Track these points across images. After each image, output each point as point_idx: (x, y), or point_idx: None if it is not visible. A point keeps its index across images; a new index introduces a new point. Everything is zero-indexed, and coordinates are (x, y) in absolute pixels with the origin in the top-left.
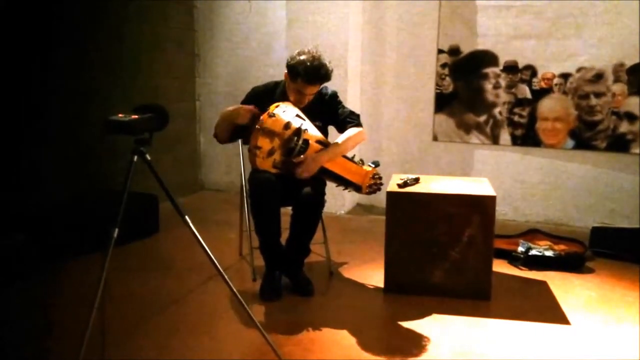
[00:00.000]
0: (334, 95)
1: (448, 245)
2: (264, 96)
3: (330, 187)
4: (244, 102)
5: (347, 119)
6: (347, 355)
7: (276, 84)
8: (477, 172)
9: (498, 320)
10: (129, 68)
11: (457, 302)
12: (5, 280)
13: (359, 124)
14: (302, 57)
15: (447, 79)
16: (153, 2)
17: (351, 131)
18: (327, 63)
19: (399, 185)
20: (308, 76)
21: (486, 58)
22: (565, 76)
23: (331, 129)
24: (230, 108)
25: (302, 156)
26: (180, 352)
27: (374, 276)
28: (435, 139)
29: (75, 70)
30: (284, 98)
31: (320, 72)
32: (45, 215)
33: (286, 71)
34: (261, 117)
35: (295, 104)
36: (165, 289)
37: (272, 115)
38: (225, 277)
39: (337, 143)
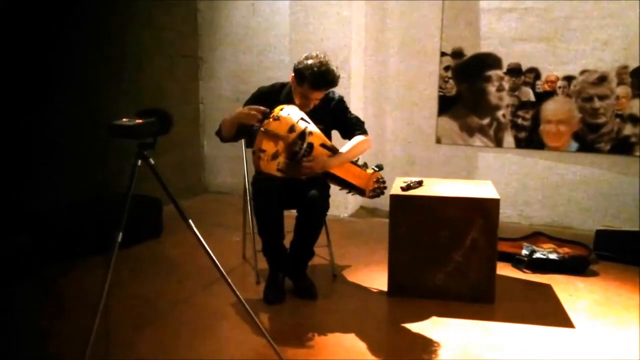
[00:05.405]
0: (341, 100)
1: (451, 248)
2: (269, 97)
3: (334, 190)
4: (249, 102)
5: (355, 126)
6: (351, 358)
7: (282, 85)
8: (481, 175)
9: (502, 323)
10: (133, 71)
11: (461, 305)
12: (9, 282)
13: (365, 132)
14: (310, 62)
15: (451, 81)
16: (156, 6)
17: (358, 138)
18: (335, 69)
19: (402, 188)
20: (315, 81)
21: (489, 61)
22: (568, 79)
23: (335, 134)
24: (240, 110)
25: (311, 157)
26: (184, 354)
27: (377, 279)
28: (438, 141)
29: (79, 74)
30: (289, 100)
31: (327, 78)
32: (49, 218)
33: (293, 74)
34: (265, 120)
35: (301, 107)
36: (169, 292)
37: (276, 118)
38: (229, 280)
39: (344, 150)
